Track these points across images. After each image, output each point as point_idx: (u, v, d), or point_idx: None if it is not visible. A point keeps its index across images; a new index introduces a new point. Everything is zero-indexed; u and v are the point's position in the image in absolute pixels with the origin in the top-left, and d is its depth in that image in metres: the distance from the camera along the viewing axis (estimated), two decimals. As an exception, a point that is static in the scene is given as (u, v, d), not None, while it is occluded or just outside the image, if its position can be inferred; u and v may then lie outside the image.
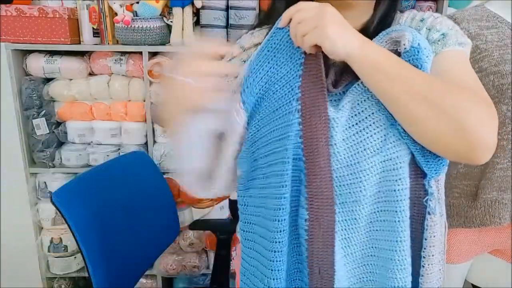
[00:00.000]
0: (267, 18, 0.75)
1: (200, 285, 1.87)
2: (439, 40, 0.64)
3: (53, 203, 1.07)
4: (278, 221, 0.60)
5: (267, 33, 0.69)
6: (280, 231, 0.61)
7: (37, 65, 1.57)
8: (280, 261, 0.61)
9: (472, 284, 1.27)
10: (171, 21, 1.57)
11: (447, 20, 0.69)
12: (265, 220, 0.63)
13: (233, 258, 1.57)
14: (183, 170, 0.64)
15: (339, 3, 0.64)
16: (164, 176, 1.69)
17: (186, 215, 1.75)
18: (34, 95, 1.59)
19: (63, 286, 1.83)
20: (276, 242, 0.61)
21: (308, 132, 0.58)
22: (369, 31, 0.66)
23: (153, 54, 1.61)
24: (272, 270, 0.62)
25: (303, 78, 0.60)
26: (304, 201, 0.59)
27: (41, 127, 1.62)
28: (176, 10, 1.54)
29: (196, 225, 1.58)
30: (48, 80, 1.64)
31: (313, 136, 0.58)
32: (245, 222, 0.68)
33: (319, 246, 0.60)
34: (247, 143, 0.65)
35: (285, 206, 0.60)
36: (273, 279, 0.62)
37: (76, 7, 1.57)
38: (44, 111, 1.62)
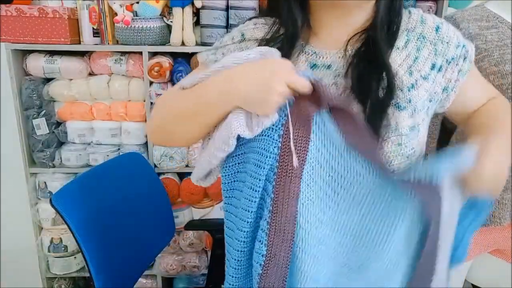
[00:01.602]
0: (270, 10, 0.74)
1: (200, 285, 1.87)
2: (465, 57, 0.68)
3: (52, 206, 1.08)
4: (240, 241, 0.61)
5: (270, 27, 0.69)
6: (241, 251, 0.62)
7: (37, 65, 1.57)
8: (236, 278, 0.63)
9: (472, 284, 1.27)
10: (171, 21, 1.57)
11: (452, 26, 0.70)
12: (233, 231, 0.64)
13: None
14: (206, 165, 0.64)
15: (331, 4, 0.64)
16: (164, 176, 1.70)
17: (186, 215, 1.75)
18: (34, 95, 1.59)
19: (63, 286, 1.83)
20: (236, 260, 0.62)
21: (283, 170, 0.58)
22: (370, 34, 0.65)
23: (153, 54, 1.61)
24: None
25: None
26: (264, 236, 0.59)
27: (41, 127, 1.62)
28: (176, 10, 1.54)
29: (192, 225, 1.58)
30: (48, 80, 1.63)
31: (286, 175, 0.58)
32: (226, 222, 0.69)
33: (270, 281, 0.60)
34: (235, 151, 0.63)
35: (248, 230, 0.61)
36: None
37: (76, 7, 1.57)
38: (44, 111, 1.62)
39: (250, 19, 0.75)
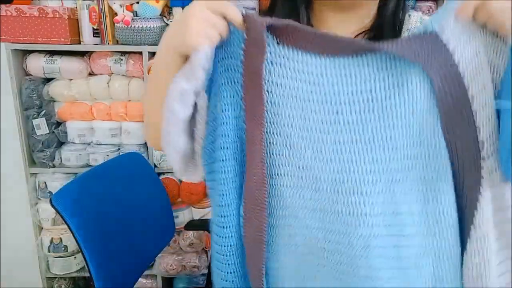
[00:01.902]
0: (270, 9, 0.74)
1: (200, 285, 1.87)
2: None
3: (52, 206, 1.08)
4: (222, 216, 0.61)
5: None
6: (225, 227, 0.61)
7: (37, 65, 1.57)
8: (228, 257, 0.62)
9: (472, 284, 1.27)
10: (171, 21, 1.57)
11: None
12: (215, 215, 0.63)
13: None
14: (169, 147, 0.61)
15: (334, 4, 0.64)
16: (164, 176, 1.69)
17: (186, 215, 1.75)
18: (34, 95, 1.59)
19: (63, 286, 1.83)
20: (221, 237, 0.61)
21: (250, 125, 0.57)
22: (375, 33, 0.65)
23: (153, 54, 1.61)
24: (221, 270, 0.63)
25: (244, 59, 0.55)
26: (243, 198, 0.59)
27: (41, 127, 1.62)
28: (176, 10, 1.54)
29: (192, 225, 1.58)
30: (48, 80, 1.63)
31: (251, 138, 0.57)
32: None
33: (249, 243, 0.60)
34: (208, 132, 0.61)
35: (226, 203, 0.60)
36: (224, 280, 0.63)
37: (76, 7, 1.57)
38: (44, 111, 1.62)
39: None
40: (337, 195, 0.56)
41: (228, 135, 0.58)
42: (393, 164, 0.55)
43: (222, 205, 0.60)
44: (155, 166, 1.67)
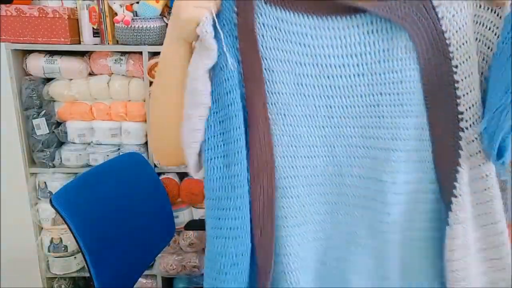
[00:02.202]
0: None
1: (200, 285, 1.87)
2: None
3: (52, 206, 1.08)
4: (234, 176, 0.58)
5: None
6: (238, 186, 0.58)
7: (37, 65, 1.57)
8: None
9: (472, 284, 1.27)
10: (171, 21, 1.57)
11: None
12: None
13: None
14: (190, 134, 0.60)
15: None
16: (164, 176, 1.69)
17: (186, 215, 1.75)
18: (34, 95, 1.59)
19: (63, 286, 1.83)
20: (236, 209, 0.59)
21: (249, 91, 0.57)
22: None
23: (153, 54, 1.61)
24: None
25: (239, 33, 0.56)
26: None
27: (41, 127, 1.62)
28: (176, 10, 1.54)
29: (192, 225, 1.58)
30: (48, 80, 1.63)
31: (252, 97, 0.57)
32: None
33: (260, 207, 0.58)
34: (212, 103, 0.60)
35: (241, 173, 0.57)
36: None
37: (76, 7, 1.57)
38: (44, 111, 1.62)
39: None
40: (330, 159, 0.58)
41: (234, 103, 0.57)
42: (379, 132, 0.56)
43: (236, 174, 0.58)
44: (155, 166, 1.67)
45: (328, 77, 0.55)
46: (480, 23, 0.54)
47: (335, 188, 0.60)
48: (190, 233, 1.75)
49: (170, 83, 0.61)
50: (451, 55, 0.53)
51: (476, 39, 0.55)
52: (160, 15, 1.57)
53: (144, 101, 1.63)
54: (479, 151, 0.56)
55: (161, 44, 1.69)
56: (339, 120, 0.57)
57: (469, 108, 0.54)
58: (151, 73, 1.54)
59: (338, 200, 0.61)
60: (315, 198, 0.61)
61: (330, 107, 0.56)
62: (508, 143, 0.53)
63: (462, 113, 0.54)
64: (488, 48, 0.55)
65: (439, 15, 0.52)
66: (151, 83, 1.59)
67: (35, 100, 1.59)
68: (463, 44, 0.53)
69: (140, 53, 1.57)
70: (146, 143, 1.70)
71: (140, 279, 1.74)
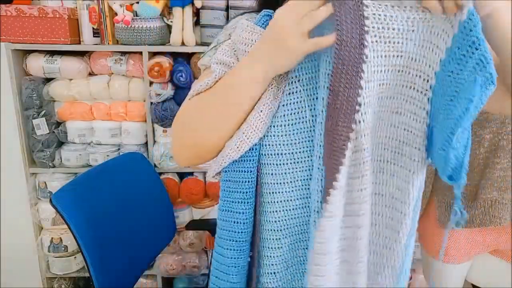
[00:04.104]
0: (265, 6, 0.74)
1: (200, 285, 1.87)
2: None
3: (52, 205, 1.08)
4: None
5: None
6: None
7: (37, 65, 1.57)
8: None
9: (472, 284, 1.27)
10: (171, 21, 1.57)
11: None
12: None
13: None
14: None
15: None
16: (164, 176, 1.70)
17: (186, 215, 1.75)
18: (34, 95, 1.59)
19: (63, 286, 1.83)
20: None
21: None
22: None
23: (153, 54, 1.61)
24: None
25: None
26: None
27: (41, 127, 1.62)
28: (176, 10, 1.54)
29: (193, 225, 1.58)
30: (48, 80, 1.63)
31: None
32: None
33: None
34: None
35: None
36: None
37: (76, 7, 1.57)
38: (44, 111, 1.62)
39: (242, 14, 0.75)
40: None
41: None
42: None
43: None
44: (155, 166, 1.67)
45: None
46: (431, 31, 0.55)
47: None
48: (190, 233, 1.75)
49: (230, 105, 0.62)
50: (366, 54, 0.53)
51: (421, 45, 0.55)
52: (160, 15, 1.57)
53: (144, 101, 1.63)
54: (364, 149, 0.56)
55: (161, 44, 1.70)
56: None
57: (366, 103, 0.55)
58: (151, 73, 1.54)
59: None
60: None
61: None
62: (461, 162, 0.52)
63: (360, 105, 0.54)
64: (434, 53, 0.55)
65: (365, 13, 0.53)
66: (151, 83, 1.59)
67: (35, 100, 1.59)
68: (382, 36, 0.54)
69: (140, 53, 1.57)
70: (146, 143, 1.70)
71: (140, 279, 1.74)
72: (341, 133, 0.55)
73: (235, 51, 0.64)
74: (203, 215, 1.76)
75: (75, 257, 1.77)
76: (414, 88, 0.57)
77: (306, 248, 0.67)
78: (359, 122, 0.54)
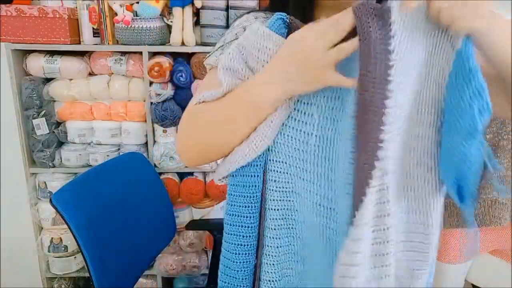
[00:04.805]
0: (272, 6, 0.74)
1: (200, 285, 1.87)
2: None
3: (52, 205, 1.08)
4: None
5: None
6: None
7: (37, 65, 1.57)
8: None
9: (472, 284, 1.27)
10: (171, 21, 1.57)
11: None
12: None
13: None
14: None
15: (338, 3, 0.64)
16: (164, 176, 1.70)
17: (186, 215, 1.75)
18: (34, 95, 1.59)
19: (63, 286, 1.83)
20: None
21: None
22: None
23: (153, 54, 1.61)
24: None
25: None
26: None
27: (41, 127, 1.62)
28: (176, 10, 1.54)
29: (193, 225, 1.58)
30: (48, 80, 1.63)
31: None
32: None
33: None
34: None
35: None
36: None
37: (76, 7, 1.57)
38: (44, 111, 1.62)
39: (248, 12, 0.75)
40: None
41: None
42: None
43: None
44: (155, 166, 1.67)
45: None
46: (439, 54, 0.55)
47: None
48: (190, 233, 1.75)
49: (242, 122, 0.62)
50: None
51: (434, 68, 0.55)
52: (160, 15, 1.57)
53: (144, 101, 1.63)
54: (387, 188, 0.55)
55: (161, 44, 1.70)
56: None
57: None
58: (151, 73, 1.54)
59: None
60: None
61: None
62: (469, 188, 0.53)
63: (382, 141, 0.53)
64: (442, 77, 0.55)
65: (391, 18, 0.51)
66: (151, 83, 1.59)
67: (35, 100, 1.59)
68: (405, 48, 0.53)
69: (140, 53, 1.57)
70: (146, 143, 1.70)
71: (140, 279, 1.74)
72: (364, 172, 0.53)
73: (243, 54, 0.62)
74: (203, 215, 1.76)
75: (75, 257, 1.77)
76: (436, 114, 0.57)
77: (303, 261, 0.67)
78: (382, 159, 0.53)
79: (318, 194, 0.62)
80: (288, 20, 0.60)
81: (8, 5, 1.49)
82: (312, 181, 0.62)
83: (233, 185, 0.66)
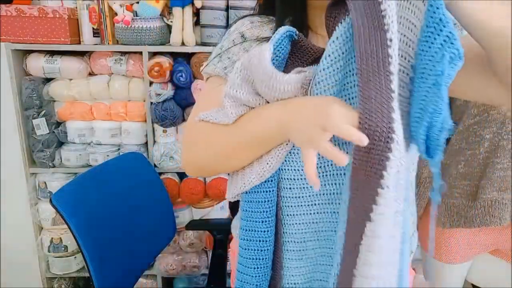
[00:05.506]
0: (265, 8, 0.73)
1: (200, 285, 1.87)
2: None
3: (52, 205, 1.08)
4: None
5: (267, 25, 0.68)
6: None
7: (37, 65, 1.57)
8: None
9: (472, 284, 1.27)
10: (171, 21, 1.57)
11: None
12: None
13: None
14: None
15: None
16: (164, 176, 1.70)
17: (186, 215, 1.75)
18: (34, 95, 1.59)
19: (63, 286, 1.83)
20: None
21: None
22: None
23: (153, 54, 1.61)
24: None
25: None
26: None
27: (41, 127, 1.62)
28: (176, 10, 1.54)
29: (193, 225, 1.58)
30: (48, 80, 1.63)
31: None
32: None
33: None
34: None
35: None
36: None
37: (76, 7, 1.57)
38: (44, 111, 1.62)
39: (243, 17, 0.74)
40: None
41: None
42: None
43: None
44: (155, 166, 1.67)
45: None
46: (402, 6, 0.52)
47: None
48: (190, 233, 1.75)
49: (255, 153, 0.62)
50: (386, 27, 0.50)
51: (399, 22, 0.52)
52: (160, 15, 1.57)
53: (144, 101, 1.63)
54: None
55: (161, 44, 1.70)
56: None
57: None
58: (151, 73, 1.54)
59: None
60: None
61: None
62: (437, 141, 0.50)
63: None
64: (411, 31, 0.53)
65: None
66: (151, 83, 1.59)
67: (35, 100, 1.59)
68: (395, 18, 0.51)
69: (140, 53, 1.57)
70: (146, 143, 1.70)
71: (140, 279, 1.74)
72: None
73: (248, 76, 0.60)
74: (203, 215, 1.76)
75: (75, 257, 1.77)
76: (401, 71, 0.54)
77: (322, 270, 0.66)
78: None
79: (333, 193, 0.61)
80: (297, 38, 0.59)
81: (8, 5, 1.49)
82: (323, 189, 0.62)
83: (248, 201, 0.64)
